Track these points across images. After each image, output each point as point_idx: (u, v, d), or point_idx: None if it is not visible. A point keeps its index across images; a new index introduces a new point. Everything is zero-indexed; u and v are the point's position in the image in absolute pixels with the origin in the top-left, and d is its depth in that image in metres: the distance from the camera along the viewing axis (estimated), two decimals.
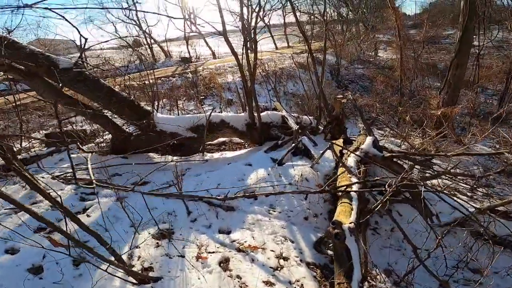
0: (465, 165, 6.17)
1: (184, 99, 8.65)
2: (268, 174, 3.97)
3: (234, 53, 5.17)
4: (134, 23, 18.31)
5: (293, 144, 4.57)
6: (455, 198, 4.12)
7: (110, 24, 18.44)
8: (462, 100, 8.08)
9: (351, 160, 3.23)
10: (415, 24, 24.35)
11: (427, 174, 3.99)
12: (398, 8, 10.58)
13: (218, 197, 3.55)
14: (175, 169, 3.58)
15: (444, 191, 3.20)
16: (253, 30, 4.74)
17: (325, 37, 6.02)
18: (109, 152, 5.26)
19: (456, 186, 5.16)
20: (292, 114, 5.55)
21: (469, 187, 5.15)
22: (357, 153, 3.37)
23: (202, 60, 16.75)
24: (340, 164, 3.17)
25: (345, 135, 5.47)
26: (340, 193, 2.83)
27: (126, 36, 15.79)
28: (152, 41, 18.53)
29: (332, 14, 18.83)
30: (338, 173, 3.16)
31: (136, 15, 18.01)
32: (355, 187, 2.76)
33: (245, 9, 5.28)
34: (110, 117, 4.95)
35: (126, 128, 5.33)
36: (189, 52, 17.69)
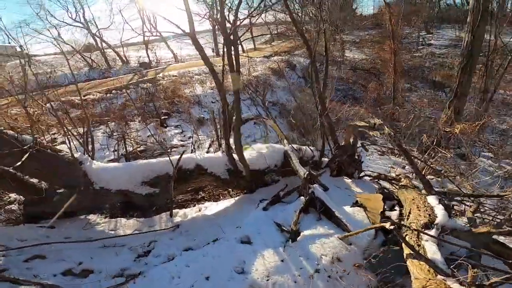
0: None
1: (138, 120, 6.64)
2: (282, 260, 2.51)
3: (206, 61, 3.56)
4: (82, 25, 15.58)
5: (303, 198, 3.17)
6: None
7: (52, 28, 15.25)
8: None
9: (430, 247, 1.90)
10: (372, 24, 24.33)
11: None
12: (390, 4, 9.69)
13: None
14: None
15: None
16: (233, 29, 3.19)
17: (325, 38, 4.69)
18: (23, 219, 3.42)
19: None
20: (293, 146, 4.11)
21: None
22: (433, 232, 2.06)
23: (163, 65, 14.64)
24: (421, 258, 1.82)
25: (359, 168, 4.23)
26: None
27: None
28: (105, 45, 15.89)
29: (302, 16, 17.92)
30: (413, 272, 1.81)
31: (84, 16, 15.36)
32: None
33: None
34: (13, 171, 3.08)
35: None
36: (148, 57, 15.49)
